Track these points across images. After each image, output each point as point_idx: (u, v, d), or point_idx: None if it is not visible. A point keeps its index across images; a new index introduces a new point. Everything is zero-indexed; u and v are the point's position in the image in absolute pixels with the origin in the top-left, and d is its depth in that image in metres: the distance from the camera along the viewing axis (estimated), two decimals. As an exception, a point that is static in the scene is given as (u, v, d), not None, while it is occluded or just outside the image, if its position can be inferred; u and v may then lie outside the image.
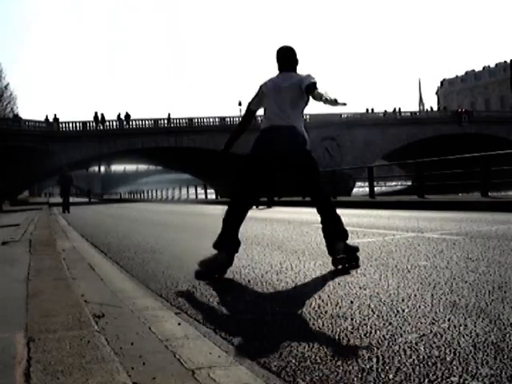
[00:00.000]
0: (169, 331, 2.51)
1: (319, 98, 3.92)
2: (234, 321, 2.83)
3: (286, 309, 3.01)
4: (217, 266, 4.11)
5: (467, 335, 2.28)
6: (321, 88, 4.02)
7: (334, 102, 3.85)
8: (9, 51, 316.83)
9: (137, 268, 4.91)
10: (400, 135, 57.91)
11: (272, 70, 4.47)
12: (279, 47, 4.43)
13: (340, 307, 2.92)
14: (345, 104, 3.89)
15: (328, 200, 4.32)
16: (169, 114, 52.43)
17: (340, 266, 4.15)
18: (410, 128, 58.52)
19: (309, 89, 4.03)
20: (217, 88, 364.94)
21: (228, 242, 4.14)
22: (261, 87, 4.38)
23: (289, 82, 4.19)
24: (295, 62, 4.38)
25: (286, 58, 4.36)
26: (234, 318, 2.88)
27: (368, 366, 2.00)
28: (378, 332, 2.42)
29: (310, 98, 4.15)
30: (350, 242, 4.33)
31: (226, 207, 4.35)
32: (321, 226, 4.28)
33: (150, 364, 1.97)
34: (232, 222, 4.19)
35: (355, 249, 4.31)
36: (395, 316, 2.66)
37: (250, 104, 4.52)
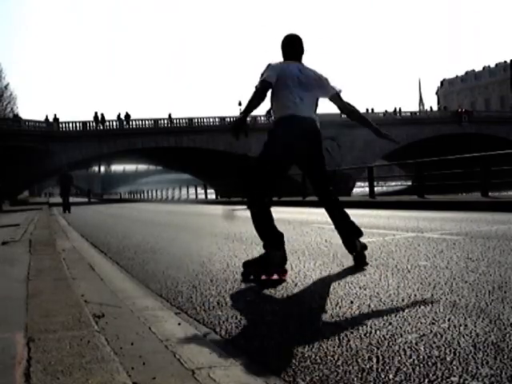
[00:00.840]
0: (169, 331, 2.51)
1: (347, 111, 4.25)
2: (234, 321, 2.83)
3: (286, 309, 3.01)
4: (276, 264, 3.93)
5: (467, 335, 2.28)
6: (345, 99, 4.29)
7: (365, 122, 4.34)
8: (9, 51, 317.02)
9: (137, 268, 4.91)
10: (400, 135, 57.78)
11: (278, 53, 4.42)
12: (286, 35, 4.34)
13: (340, 307, 2.92)
14: (395, 140, 4.37)
15: (336, 198, 4.35)
16: (169, 114, 52.47)
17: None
18: (409, 128, 58.52)
19: (335, 99, 4.27)
20: (217, 88, 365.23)
21: (272, 238, 3.98)
22: (273, 66, 4.11)
23: (311, 78, 4.18)
24: (302, 51, 4.31)
25: (293, 46, 4.28)
26: (234, 318, 2.88)
27: (368, 366, 2.00)
28: (377, 332, 2.42)
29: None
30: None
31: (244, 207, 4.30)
32: (333, 225, 4.31)
33: (150, 364, 1.97)
34: (263, 218, 4.00)
35: (364, 246, 4.34)
36: (395, 316, 2.66)
37: (267, 77, 4.06)
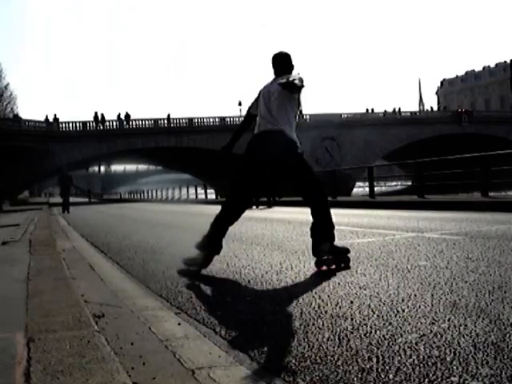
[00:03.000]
0: (169, 331, 2.51)
1: (292, 86, 3.93)
2: (234, 321, 2.83)
3: (286, 309, 3.01)
4: (196, 266, 4.29)
5: (467, 335, 2.28)
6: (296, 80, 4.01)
7: (294, 83, 3.89)
8: (9, 51, 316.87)
9: (137, 268, 4.91)
10: (400, 135, 57.91)
11: (272, 70, 4.47)
12: (274, 53, 4.47)
13: (340, 307, 2.92)
14: (301, 85, 3.94)
15: (321, 201, 4.28)
16: (168, 115, 52.45)
17: (325, 268, 4.16)
18: (409, 128, 58.52)
19: (283, 84, 3.98)
20: (217, 88, 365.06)
21: (212, 244, 4.28)
22: (259, 91, 4.44)
23: (276, 85, 4.22)
24: (290, 67, 4.40)
25: (281, 63, 4.40)
26: (234, 318, 2.88)
27: (368, 366, 2.00)
28: (377, 332, 2.42)
29: (298, 96, 4.21)
30: (346, 242, 4.33)
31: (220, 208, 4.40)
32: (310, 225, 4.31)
33: (150, 364, 1.97)
34: (221, 224, 4.32)
35: (345, 250, 4.31)
36: (395, 316, 2.66)
37: (249, 108, 4.58)
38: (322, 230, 4.20)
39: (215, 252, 4.34)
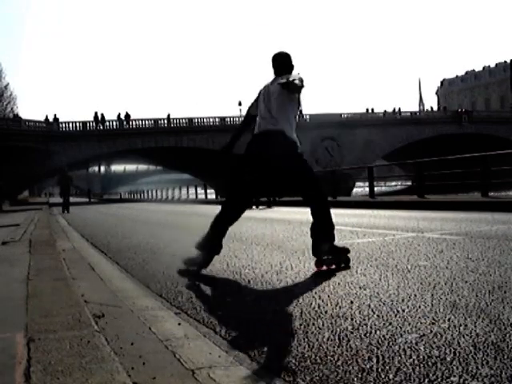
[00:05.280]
0: (169, 331, 2.51)
1: (291, 86, 3.88)
2: (234, 321, 2.83)
3: (286, 309, 3.01)
4: (197, 266, 4.30)
5: (467, 335, 2.28)
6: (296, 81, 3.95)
7: (294, 83, 3.85)
8: (9, 51, 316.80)
9: (137, 268, 4.91)
10: (400, 135, 57.94)
11: (271, 70, 4.47)
12: (274, 53, 4.46)
13: (340, 307, 2.92)
14: (301, 84, 3.91)
15: (321, 201, 4.27)
16: (168, 115, 52.48)
17: (324, 268, 4.15)
18: (410, 128, 58.57)
19: (283, 85, 3.91)
20: (217, 88, 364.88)
21: (212, 244, 4.28)
22: (259, 91, 4.43)
23: (276, 85, 4.19)
24: (290, 67, 4.38)
25: (281, 63, 4.38)
26: (234, 318, 2.88)
27: (368, 366, 2.00)
28: (377, 332, 2.42)
29: (298, 96, 4.19)
30: (346, 242, 4.33)
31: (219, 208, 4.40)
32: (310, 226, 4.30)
33: (150, 364, 1.97)
34: (221, 224, 4.31)
35: (345, 250, 4.30)
36: (395, 316, 2.66)
37: (249, 108, 4.57)
38: (322, 230, 4.20)
39: (215, 252, 4.34)
